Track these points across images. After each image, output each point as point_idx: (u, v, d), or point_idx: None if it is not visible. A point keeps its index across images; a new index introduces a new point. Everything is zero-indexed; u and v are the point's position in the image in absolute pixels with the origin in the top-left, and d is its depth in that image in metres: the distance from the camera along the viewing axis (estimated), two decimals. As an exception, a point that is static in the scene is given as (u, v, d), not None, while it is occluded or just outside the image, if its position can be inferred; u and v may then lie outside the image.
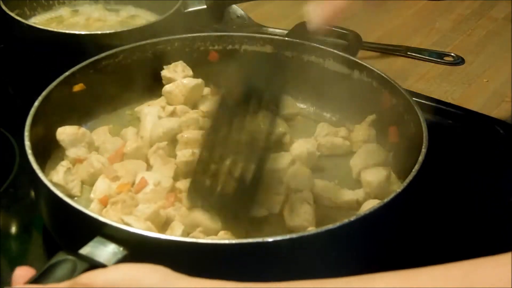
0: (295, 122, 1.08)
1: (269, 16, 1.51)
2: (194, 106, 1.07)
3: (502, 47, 1.41)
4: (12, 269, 0.81)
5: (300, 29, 1.31)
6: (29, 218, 0.94)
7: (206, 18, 1.30)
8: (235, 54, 1.12)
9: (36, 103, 0.92)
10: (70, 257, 0.66)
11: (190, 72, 1.09)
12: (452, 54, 1.38)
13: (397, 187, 0.88)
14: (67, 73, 0.99)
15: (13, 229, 0.93)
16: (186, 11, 1.27)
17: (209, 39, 1.12)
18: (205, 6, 1.29)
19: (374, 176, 0.90)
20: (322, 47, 1.08)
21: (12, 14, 1.19)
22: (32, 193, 0.95)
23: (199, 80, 1.08)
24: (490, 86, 1.29)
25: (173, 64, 1.09)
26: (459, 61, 1.36)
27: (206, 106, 1.06)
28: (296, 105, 1.10)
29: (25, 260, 0.87)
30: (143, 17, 1.37)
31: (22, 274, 0.64)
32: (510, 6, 1.54)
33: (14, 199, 0.95)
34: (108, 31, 1.16)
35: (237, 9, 1.45)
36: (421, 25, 1.50)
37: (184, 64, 1.09)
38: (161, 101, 1.08)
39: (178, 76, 1.08)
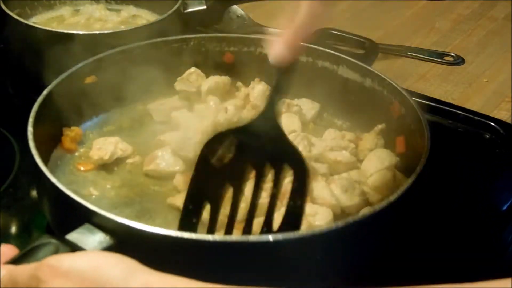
0: (307, 128, 1.08)
1: (269, 16, 1.51)
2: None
3: (502, 47, 1.42)
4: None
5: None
6: (29, 218, 0.94)
7: (206, 19, 1.30)
8: (250, 56, 1.12)
9: (45, 92, 0.92)
10: (53, 240, 0.67)
11: (204, 79, 1.10)
12: (452, 54, 1.38)
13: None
14: (79, 65, 1.00)
15: (13, 229, 0.93)
16: (186, 11, 1.27)
17: (225, 40, 1.12)
18: (205, 7, 1.29)
19: (380, 180, 0.90)
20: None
21: (12, 14, 1.19)
22: (32, 193, 0.96)
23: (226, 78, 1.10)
24: (490, 86, 1.29)
25: (186, 73, 1.09)
26: (459, 61, 1.36)
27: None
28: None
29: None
30: (144, 18, 1.37)
31: (5, 251, 0.65)
32: (510, 6, 1.54)
33: (14, 199, 0.95)
34: (107, 31, 1.16)
35: (237, 9, 1.45)
36: (421, 25, 1.51)
37: (198, 71, 1.10)
38: (174, 99, 1.09)
39: (193, 87, 1.09)
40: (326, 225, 0.83)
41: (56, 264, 0.59)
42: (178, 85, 1.09)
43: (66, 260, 0.60)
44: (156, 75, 1.09)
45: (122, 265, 0.59)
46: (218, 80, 1.09)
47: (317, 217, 0.85)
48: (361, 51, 1.28)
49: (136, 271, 0.58)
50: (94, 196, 0.92)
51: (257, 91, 1.10)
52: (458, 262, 0.88)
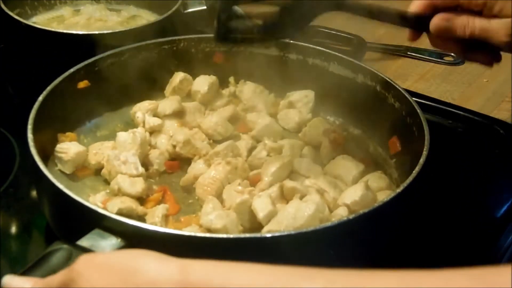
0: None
1: (269, 16, 1.50)
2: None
3: (502, 47, 1.41)
4: (12, 269, 0.82)
5: (306, 33, 1.32)
6: (29, 218, 0.94)
7: (206, 19, 1.30)
8: (240, 56, 1.12)
9: (41, 98, 0.92)
10: (65, 246, 0.67)
11: (192, 83, 1.10)
12: (452, 54, 1.38)
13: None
14: (72, 70, 0.99)
15: (13, 229, 0.93)
16: (186, 11, 1.27)
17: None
18: (205, 7, 1.29)
19: (351, 197, 0.88)
20: (327, 50, 1.09)
21: (12, 14, 1.19)
22: (32, 193, 0.96)
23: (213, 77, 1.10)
24: (490, 86, 1.29)
25: (177, 80, 1.09)
26: (459, 61, 1.36)
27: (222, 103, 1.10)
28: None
29: (25, 260, 0.87)
30: (144, 18, 1.37)
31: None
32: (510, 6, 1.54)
33: (14, 199, 0.95)
34: (106, 31, 1.16)
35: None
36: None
37: (186, 75, 1.09)
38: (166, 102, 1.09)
39: (183, 93, 1.09)
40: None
41: (87, 262, 0.59)
42: (169, 92, 1.09)
43: (97, 257, 0.60)
44: (147, 77, 1.09)
45: (152, 256, 0.58)
46: (211, 80, 1.09)
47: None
48: (349, 48, 1.28)
49: (169, 258, 0.58)
50: (93, 201, 0.92)
51: (247, 92, 1.10)
52: (456, 263, 0.88)
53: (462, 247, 0.91)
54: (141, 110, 1.04)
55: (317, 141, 1.01)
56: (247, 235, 0.77)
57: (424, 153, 0.85)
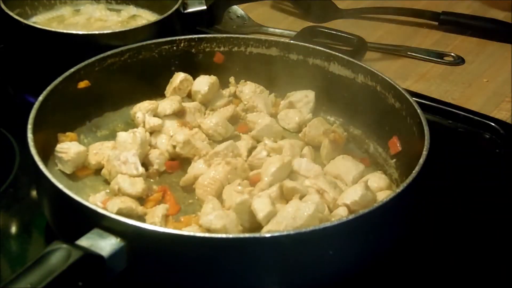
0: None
1: (269, 16, 1.51)
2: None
3: (502, 47, 1.42)
4: (12, 269, 0.82)
5: (306, 33, 1.32)
6: (29, 218, 0.94)
7: (206, 19, 1.30)
8: (240, 56, 1.13)
9: (41, 98, 0.92)
10: (64, 245, 0.67)
11: (192, 83, 1.10)
12: (452, 54, 1.38)
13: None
14: (72, 69, 1.00)
15: (13, 229, 0.93)
16: (186, 11, 1.27)
17: (215, 41, 1.13)
18: (205, 7, 1.29)
19: (351, 197, 0.88)
20: (328, 50, 1.09)
21: (12, 14, 1.19)
22: (32, 193, 0.96)
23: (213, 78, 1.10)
24: (490, 86, 1.29)
25: (177, 81, 1.08)
26: (459, 61, 1.36)
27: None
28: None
29: (25, 260, 0.87)
30: (144, 18, 1.37)
31: None
32: (510, 6, 1.54)
33: (14, 199, 0.95)
34: (106, 31, 1.16)
35: (237, 9, 1.46)
36: (421, 25, 1.50)
37: (187, 76, 1.09)
38: (166, 101, 1.08)
39: (184, 93, 1.09)
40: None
41: None
42: (169, 92, 1.09)
43: None
44: (148, 77, 1.09)
45: None
46: (212, 80, 1.09)
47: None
48: (349, 48, 1.28)
49: None
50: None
51: (247, 92, 1.11)
52: (456, 262, 0.88)
53: (461, 247, 0.91)
54: (141, 110, 1.04)
55: (317, 141, 1.02)
56: (247, 235, 0.77)
57: (424, 153, 0.85)
